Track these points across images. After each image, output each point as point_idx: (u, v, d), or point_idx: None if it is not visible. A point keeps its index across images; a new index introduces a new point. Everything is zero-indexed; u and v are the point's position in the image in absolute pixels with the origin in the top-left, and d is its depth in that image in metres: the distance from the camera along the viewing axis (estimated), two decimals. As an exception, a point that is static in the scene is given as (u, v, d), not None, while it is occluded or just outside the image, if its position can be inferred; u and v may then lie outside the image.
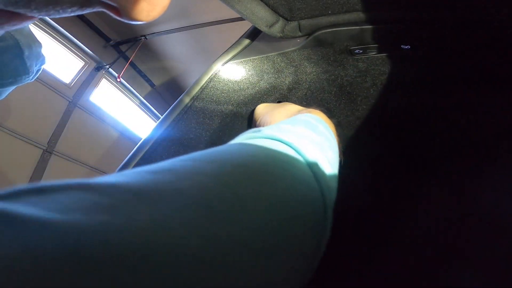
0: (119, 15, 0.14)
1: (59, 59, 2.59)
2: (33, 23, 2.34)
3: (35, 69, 0.34)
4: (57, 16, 0.13)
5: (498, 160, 0.38)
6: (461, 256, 0.36)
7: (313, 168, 0.22)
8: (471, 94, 0.38)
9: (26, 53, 0.32)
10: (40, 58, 0.34)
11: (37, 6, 0.12)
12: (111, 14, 0.14)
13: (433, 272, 0.37)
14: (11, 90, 0.33)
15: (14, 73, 0.32)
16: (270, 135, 0.23)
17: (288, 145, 0.22)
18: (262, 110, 0.41)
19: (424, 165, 0.45)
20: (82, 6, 0.13)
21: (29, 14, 0.13)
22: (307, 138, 0.24)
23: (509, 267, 0.32)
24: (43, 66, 0.36)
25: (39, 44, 0.34)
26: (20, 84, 0.34)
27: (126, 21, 0.14)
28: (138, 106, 3.27)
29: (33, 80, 0.35)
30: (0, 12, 0.13)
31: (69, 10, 0.13)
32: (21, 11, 0.12)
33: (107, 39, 2.79)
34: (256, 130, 0.25)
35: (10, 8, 0.12)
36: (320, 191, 0.21)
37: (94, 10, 0.14)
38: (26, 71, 0.33)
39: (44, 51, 0.35)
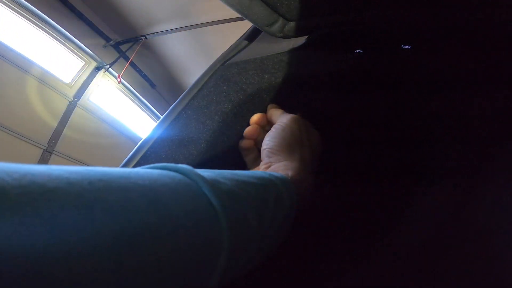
0: None
1: (59, 59, 2.59)
2: (30, 22, 2.34)
3: None
4: None
5: (498, 161, 0.38)
6: (456, 259, 0.36)
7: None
8: (472, 94, 0.38)
9: None
10: None
11: None
12: None
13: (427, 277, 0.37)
14: None
15: None
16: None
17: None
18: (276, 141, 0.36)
19: (423, 166, 0.45)
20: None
21: None
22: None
23: (505, 268, 0.32)
24: None
25: None
26: None
27: None
28: (138, 106, 3.27)
29: None
30: None
31: None
32: None
33: (107, 39, 2.79)
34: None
35: None
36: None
37: None
38: None
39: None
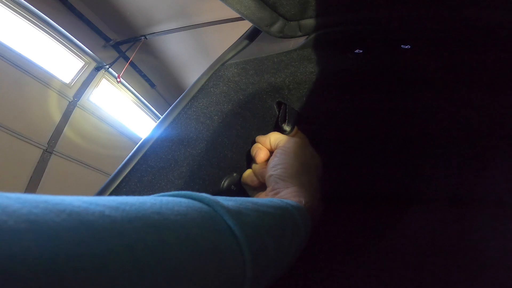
0: None
1: (59, 59, 2.59)
2: (30, 22, 2.35)
3: None
4: None
5: (498, 161, 0.38)
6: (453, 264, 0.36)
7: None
8: (472, 94, 0.38)
9: None
10: None
11: None
12: None
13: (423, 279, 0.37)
14: None
15: None
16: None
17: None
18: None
19: (421, 166, 0.45)
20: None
21: None
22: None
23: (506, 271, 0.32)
24: None
25: None
26: None
27: None
28: (138, 106, 3.27)
29: None
30: None
31: None
32: None
33: (107, 39, 2.79)
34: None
35: None
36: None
37: None
38: None
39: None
